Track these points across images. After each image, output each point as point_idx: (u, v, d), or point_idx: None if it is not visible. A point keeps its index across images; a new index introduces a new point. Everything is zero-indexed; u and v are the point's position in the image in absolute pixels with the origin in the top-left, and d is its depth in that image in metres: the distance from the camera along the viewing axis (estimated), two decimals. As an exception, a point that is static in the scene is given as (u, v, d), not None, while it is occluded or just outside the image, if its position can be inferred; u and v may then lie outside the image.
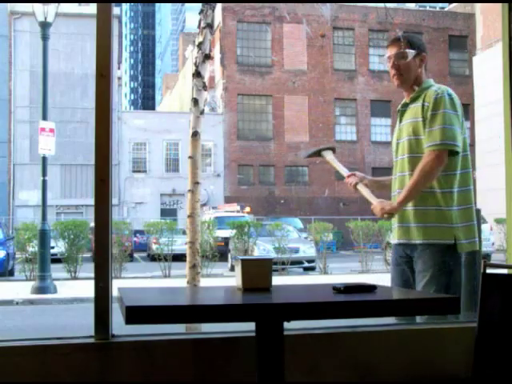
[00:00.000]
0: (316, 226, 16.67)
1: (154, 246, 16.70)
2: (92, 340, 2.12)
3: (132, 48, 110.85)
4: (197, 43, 6.44)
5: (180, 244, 13.84)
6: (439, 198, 2.69)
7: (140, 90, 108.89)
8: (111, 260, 2.21)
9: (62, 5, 13.35)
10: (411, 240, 2.74)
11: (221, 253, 15.34)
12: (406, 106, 2.85)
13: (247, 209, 25.44)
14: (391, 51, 2.84)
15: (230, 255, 16.52)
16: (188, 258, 6.14)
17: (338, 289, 1.98)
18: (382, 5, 29.79)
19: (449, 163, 2.67)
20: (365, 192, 2.87)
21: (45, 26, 11.11)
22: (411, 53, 2.81)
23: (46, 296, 10.48)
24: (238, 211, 24.19)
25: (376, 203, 2.75)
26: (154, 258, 15.81)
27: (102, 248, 2.17)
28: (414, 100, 2.81)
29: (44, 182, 11.14)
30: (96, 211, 2.16)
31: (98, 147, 2.18)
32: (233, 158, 33.08)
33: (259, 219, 21.87)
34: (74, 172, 32.10)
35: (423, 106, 2.73)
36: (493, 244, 17.99)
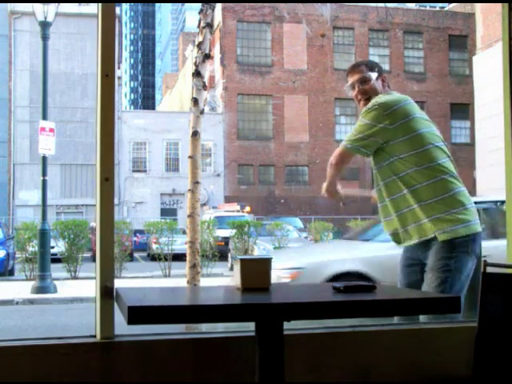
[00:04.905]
0: (316, 226, 16.69)
1: (154, 246, 16.69)
2: (94, 340, 2.11)
3: (132, 48, 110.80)
4: (197, 43, 6.46)
5: (180, 244, 13.85)
6: (408, 197, 2.69)
7: (140, 89, 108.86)
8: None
9: (62, 5, 13.37)
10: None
11: (221, 252, 15.33)
12: None
13: (247, 208, 25.44)
14: (353, 78, 2.89)
15: (230, 255, 16.52)
16: (188, 258, 6.15)
17: (338, 288, 1.98)
18: (382, 4, 29.80)
19: (394, 167, 2.70)
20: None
21: (45, 25, 11.11)
22: (374, 75, 2.85)
23: (46, 296, 10.49)
24: (238, 211, 24.19)
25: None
26: (154, 257, 15.81)
27: (105, 247, 2.17)
28: None
29: (44, 182, 11.14)
30: (100, 210, 2.15)
31: (102, 146, 2.17)
32: (233, 158, 33.07)
33: (259, 219, 21.87)
34: (74, 172, 32.10)
35: None
36: (493, 244, 17.97)
